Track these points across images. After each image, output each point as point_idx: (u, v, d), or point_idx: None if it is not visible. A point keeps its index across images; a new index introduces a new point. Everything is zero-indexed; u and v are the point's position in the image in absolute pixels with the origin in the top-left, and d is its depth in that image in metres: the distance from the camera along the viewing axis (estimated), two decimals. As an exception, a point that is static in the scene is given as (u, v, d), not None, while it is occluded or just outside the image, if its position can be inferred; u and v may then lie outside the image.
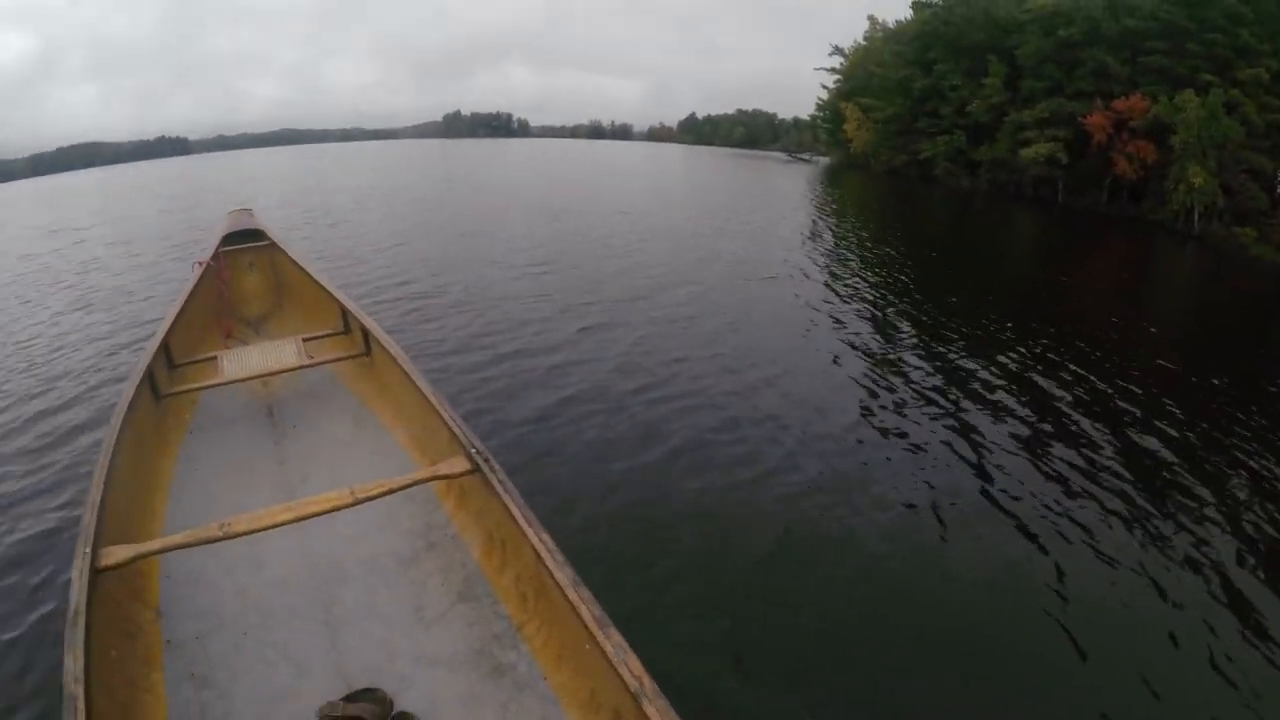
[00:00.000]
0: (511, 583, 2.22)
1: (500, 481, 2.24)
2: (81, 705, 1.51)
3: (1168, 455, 4.99)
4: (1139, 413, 5.68)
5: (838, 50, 47.98)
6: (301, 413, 3.66)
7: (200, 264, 4.58)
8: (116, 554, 2.00)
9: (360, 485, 2.22)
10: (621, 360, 6.14)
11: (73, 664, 1.60)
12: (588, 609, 1.69)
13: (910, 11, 38.91)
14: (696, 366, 6.04)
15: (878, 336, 7.38)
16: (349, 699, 1.92)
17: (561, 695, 1.89)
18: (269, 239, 5.01)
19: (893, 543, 3.62)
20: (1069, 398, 5.81)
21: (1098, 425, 5.32)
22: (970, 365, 6.44)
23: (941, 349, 6.92)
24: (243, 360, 3.63)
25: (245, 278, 4.90)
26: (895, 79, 37.64)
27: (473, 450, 2.40)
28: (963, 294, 9.72)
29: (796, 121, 75.42)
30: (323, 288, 4.36)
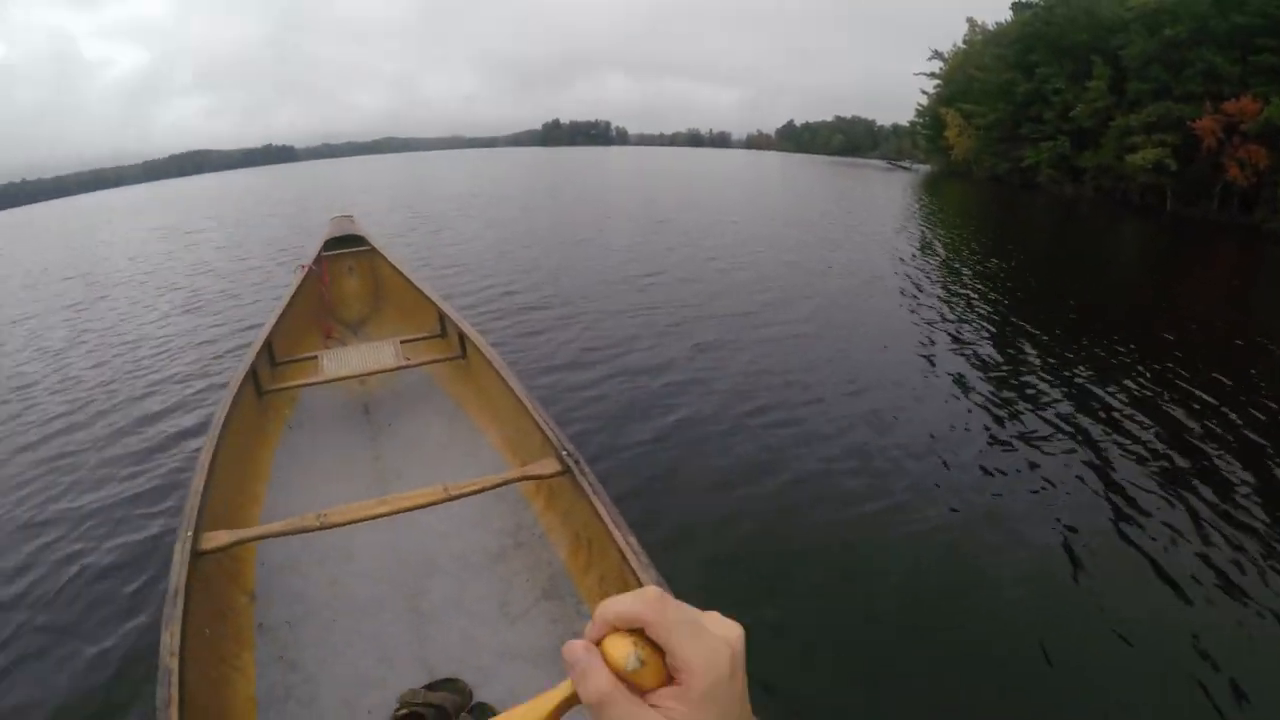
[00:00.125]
0: (595, 583, 2.25)
1: (590, 483, 2.30)
2: (175, 679, 1.62)
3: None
4: (1271, 446, 5.15)
5: (937, 54, 47.47)
6: (397, 412, 3.82)
7: (303, 268, 4.88)
8: (216, 539, 2.12)
9: (454, 483, 2.32)
10: (736, 379, 6.04)
11: (169, 639, 1.71)
12: None
13: (1010, 13, 38.16)
14: (815, 388, 5.90)
15: (996, 355, 7.15)
16: (430, 687, 2.01)
17: None
18: (369, 244, 5.29)
19: (1028, 586, 3.43)
20: (1198, 428, 5.38)
21: (1230, 458, 4.90)
22: (1094, 389, 6.15)
23: (1062, 370, 6.66)
24: (342, 360, 3.81)
25: (345, 281, 5.17)
26: (996, 83, 37.00)
27: (564, 452, 2.47)
28: (1076, 309, 9.33)
29: (895, 128, 74.49)
30: (420, 292, 4.53)
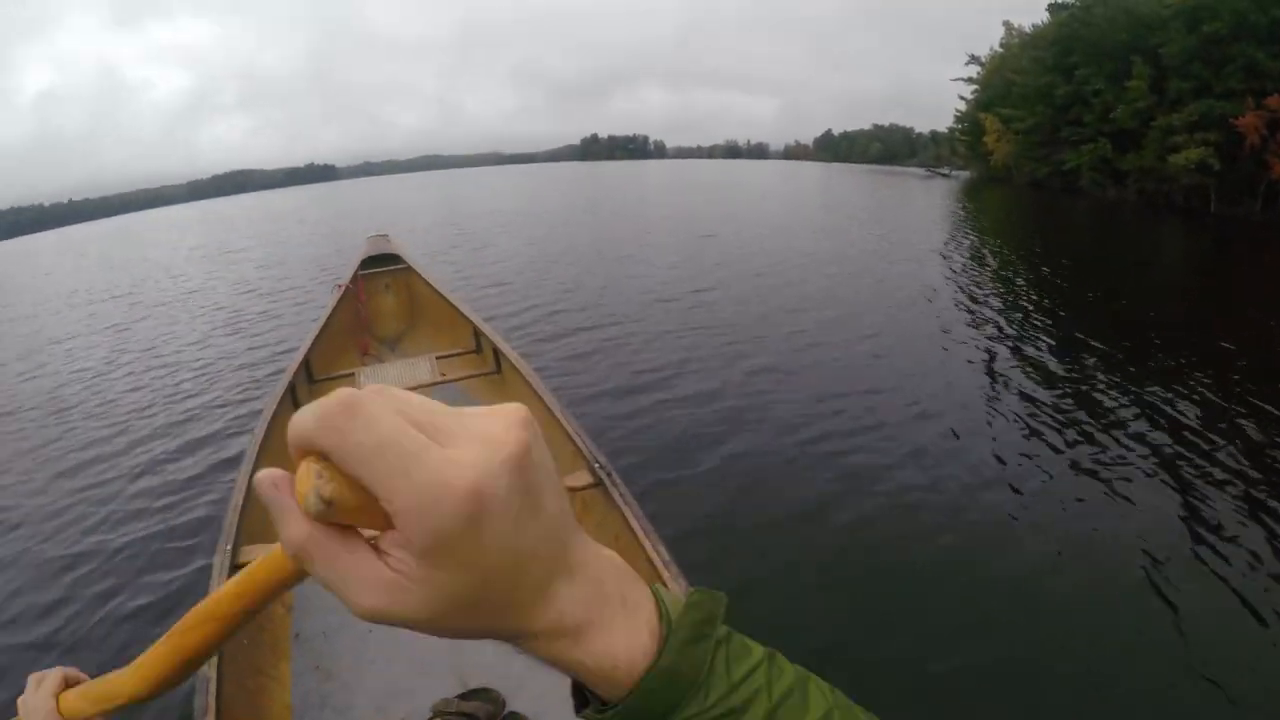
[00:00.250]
0: None
1: (621, 494, 2.40)
2: (213, 688, 1.69)
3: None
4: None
5: (974, 59, 47.48)
6: None
7: (340, 286, 5.03)
8: (254, 552, 2.16)
9: None
10: (792, 405, 5.77)
11: None
12: None
13: (1046, 14, 38.12)
14: (876, 411, 5.61)
15: (1058, 369, 6.91)
16: (464, 697, 2.06)
17: None
18: (404, 262, 5.43)
19: (1121, 626, 3.22)
20: (1268, 442, 5.12)
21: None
22: (1160, 404, 5.86)
23: (1127, 384, 6.39)
24: (378, 377, 3.91)
25: (382, 299, 5.32)
26: (1035, 86, 36.99)
27: (596, 464, 2.57)
28: (1132, 318, 9.15)
29: (934, 135, 74.05)
30: (455, 309, 4.66)
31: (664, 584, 1.91)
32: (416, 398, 0.29)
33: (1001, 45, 44.86)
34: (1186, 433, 5.26)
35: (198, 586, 3.39)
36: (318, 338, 4.27)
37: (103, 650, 3.19)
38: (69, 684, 0.57)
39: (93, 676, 0.55)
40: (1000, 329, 8.45)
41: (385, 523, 0.27)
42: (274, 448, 3.00)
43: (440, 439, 0.27)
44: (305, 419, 0.27)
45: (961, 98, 50.28)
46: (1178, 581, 3.49)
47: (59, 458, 5.64)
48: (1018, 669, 2.94)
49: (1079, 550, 3.78)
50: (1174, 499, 4.32)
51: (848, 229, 19.30)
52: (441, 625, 0.29)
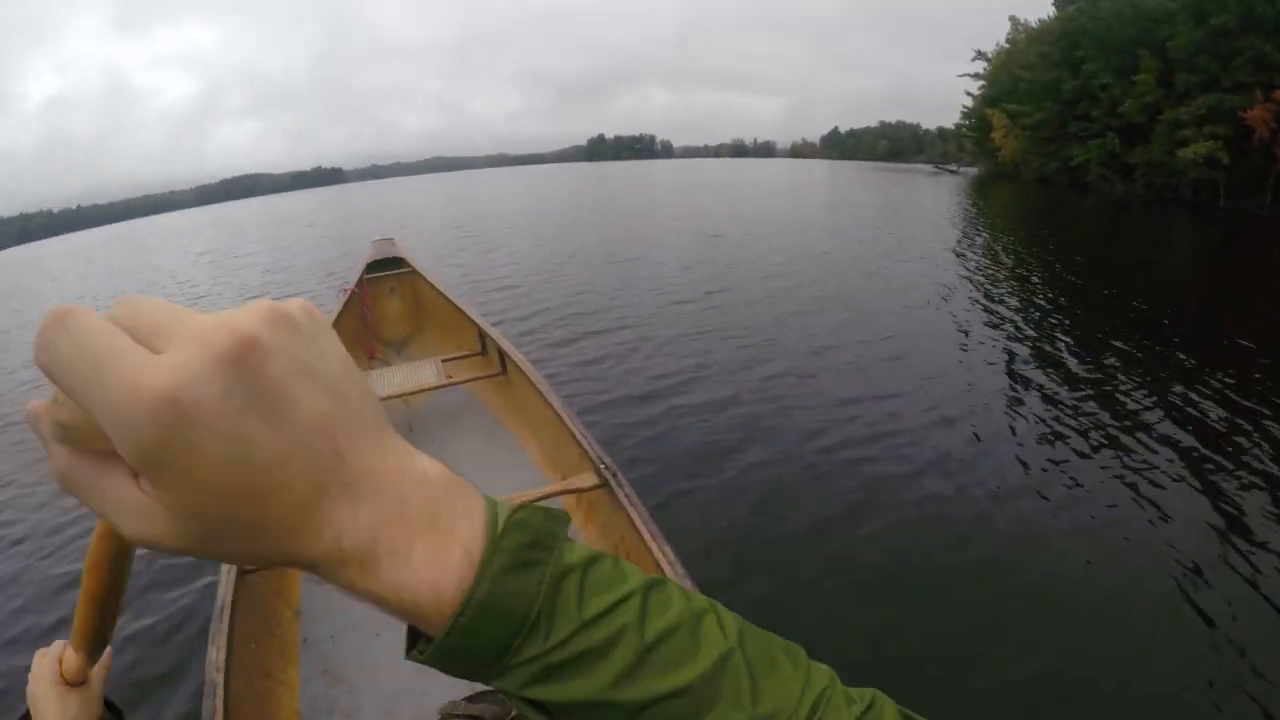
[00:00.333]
0: None
1: (627, 495, 2.40)
2: (221, 692, 1.70)
3: None
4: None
5: (980, 55, 47.37)
6: (440, 430, 3.97)
7: (345, 291, 5.07)
8: None
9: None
10: (810, 411, 5.63)
11: (215, 655, 1.79)
12: None
13: (1052, 9, 37.99)
14: (898, 417, 5.46)
15: (1080, 370, 6.73)
16: (471, 699, 2.25)
17: None
18: (409, 266, 5.46)
19: (1156, 635, 3.13)
20: None
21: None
22: (1185, 405, 5.72)
23: (1150, 383, 6.26)
24: (385, 380, 3.89)
25: (387, 303, 5.36)
26: (1042, 81, 36.86)
27: (602, 465, 2.58)
28: (1151, 316, 8.88)
29: (941, 132, 73.88)
30: (461, 311, 4.67)
31: None
32: (161, 303, 0.26)
33: (1008, 41, 44.70)
34: (1211, 434, 5.15)
35: (205, 600, 3.36)
36: None
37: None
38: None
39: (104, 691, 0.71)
40: (1018, 328, 8.32)
41: None
42: None
43: (156, 343, 0.24)
44: (35, 339, 0.25)
45: (968, 93, 50.28)
46: (1210, 590, 3.40)
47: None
48: (1052, 683, 2.87)
49: (1110, 559, 3.68)
50: (1202, 503, 4.22)
51: (858, 228, 19.20)
52: (204, 551, 0.26)
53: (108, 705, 0.72)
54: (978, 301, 9.70)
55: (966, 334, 8.05)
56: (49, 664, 0.68)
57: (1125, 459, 4.79)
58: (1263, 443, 4.97)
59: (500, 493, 1.83)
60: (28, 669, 0.70)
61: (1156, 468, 4.65)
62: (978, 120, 48.23)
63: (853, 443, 5.03)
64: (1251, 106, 23.56)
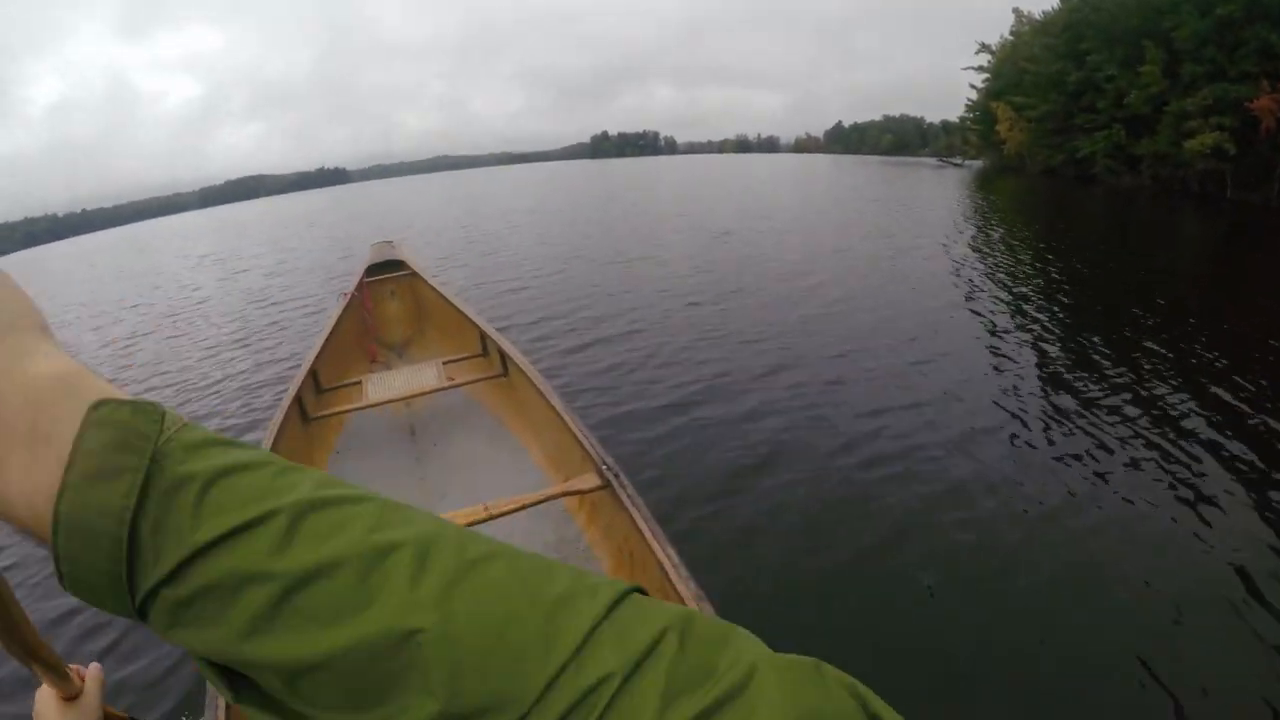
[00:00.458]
0: None
1: (629, 496, 2.38)
2: (222, 703, 1.69)
3: None
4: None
5: (984, 47, 47.09)
6: (442, 432, 3.96)
7: (345, 295, 5.05)
8: None
9: (494, 501, 2.40)
10: (834, 421, 5.42)
11: None
12: None
13: (1057, 0, 37.80)
14: (934, 428, 5.25)
15: (1112, 372, 6.50)
16: None
17: None
18: (409, 268, 5.48)
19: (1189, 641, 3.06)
20: None
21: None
22: (1224, 406, 5.54)
23: (1186, 385, 6.03)
24: (386, 383, 3.92)
25: (388, 306, 5.38)
26: (1047, 74, 36.73)
27: (604, 466, 2.55)
28: (1174, 312, 8.68)
29: (945, 125, 73.63)
30: (461, 313, 4.66)
31: (673, 587, 1.92)
32: None
33: (1012, 33, 44.50)
34: (1267, 441, 4.95)
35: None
36: (323, 347, 4.28)
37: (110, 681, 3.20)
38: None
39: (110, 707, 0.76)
40: (1045, 329, 8.08)
41: None
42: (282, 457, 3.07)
43: None
44: None
45: (973, 86, 49.92)
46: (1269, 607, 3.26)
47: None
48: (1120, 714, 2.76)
49: (1175, 584, 3.45)
50: (1254, 517, 4.03)
51: (869, 224, 18.99)
52: None
53: (114, 716, 0.77)
54: (999, 299, 9.59)
55: (991, 334, 7.89)
56: (45, 687, 0.72)
57: (1178, 472, 4.56)
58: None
59: (503, 495, 2.06)
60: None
61: (1206, 475, 4.46)
62: (982, 113, 48.04)
63: (885, 459, 4.77)
64: (1258, 97, 23.37)
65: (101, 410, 0.25)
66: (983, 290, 10.15)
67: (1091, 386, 6.18)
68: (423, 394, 3.85)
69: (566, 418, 2.99)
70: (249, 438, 5.53)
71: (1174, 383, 6.14)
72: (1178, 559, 3.67)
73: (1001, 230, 17.46)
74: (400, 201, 52.53)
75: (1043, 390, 6.13)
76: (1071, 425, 5.32)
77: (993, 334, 7.88)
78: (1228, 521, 3.98)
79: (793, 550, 3.82)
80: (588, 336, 8.13)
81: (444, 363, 4.14)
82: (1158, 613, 3.27)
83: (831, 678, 0.25)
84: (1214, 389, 5.93)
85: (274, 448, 2.93)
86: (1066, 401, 5.83)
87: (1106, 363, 6.80)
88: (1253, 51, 23.91)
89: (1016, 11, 44.11)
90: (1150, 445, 4.96)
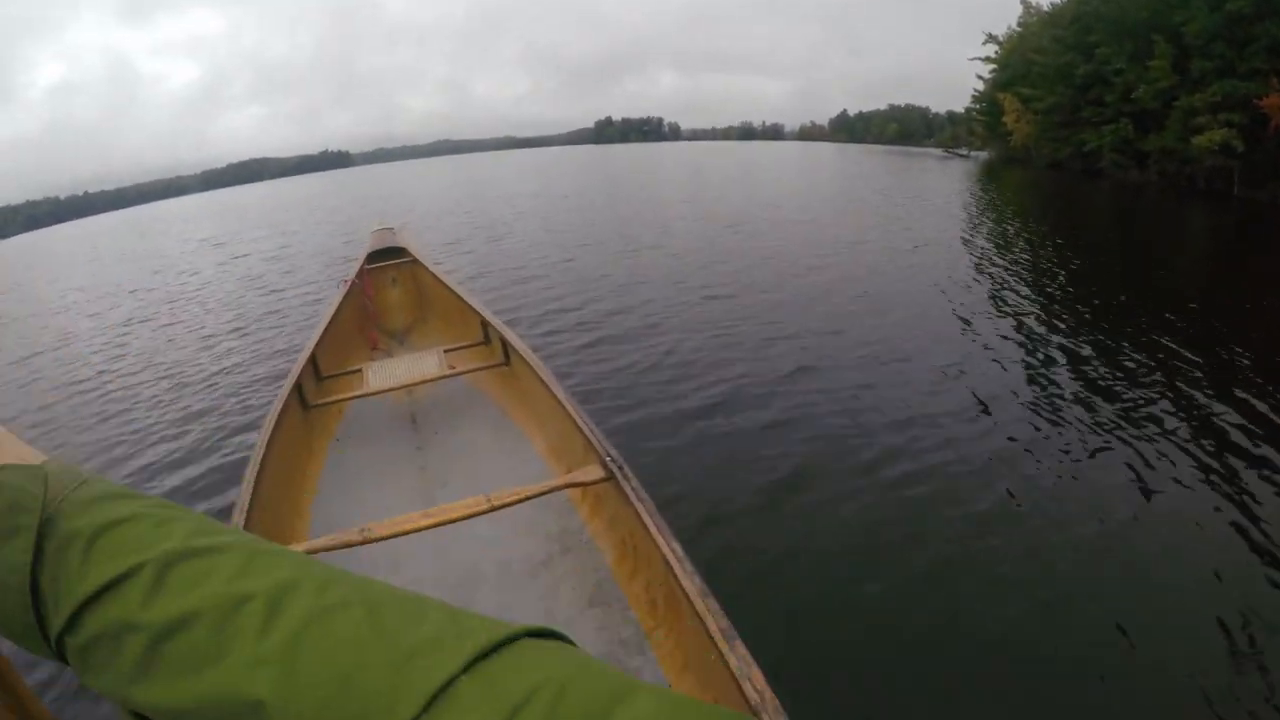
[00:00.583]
0: (642, 589, 2.29)
1: (634, 489, 2.34)
2: None
3: None
4: None
5: (992, 38, 46.66)
6: (443, 421, 3.93)
7: (346, 282, 5.03)
8: None
9: (497, 493, 2.35)
10: (858, 426, 5.18)
11: None
12: (714, 620, 1.70)
13: (1066, -9, 37.45)
14: (980, 443, 4.97)
15: (1134, 371, 6.38)
16: None
17: None
18: (410, 255, 5.47)
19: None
20: None
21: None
22: (1260, 411, 5.34)
23: (1221, 390, 5.83)
24: (387, 371, 3.90)
25: (389, 293, 5.37)
26: (1055, 66, 36.34)
27: (608, 458, 2.51)
28: (1195, 313, 8.45)
29: (951, 115, 73.22)
30: (463, 300, 4.64)
31: (678, 582, 1.92)
32: None
33: (1020, 24, 44.10)
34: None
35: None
36: (324, 334, 4.25)
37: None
38: None
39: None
40: (1075, 330, 7.82)
41: None
42: (281, 446, 2.95)
43: None
44: None
45: (980, 77, 49.55)
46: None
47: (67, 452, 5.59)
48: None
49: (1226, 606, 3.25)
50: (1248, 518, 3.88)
51: (881, 216, 18.70)
52: None
53: None
54: (1025, 297, 9.32)
55: (1019, 332, 7.67)
56: None
57: (1224, 483, 4.33)
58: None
59: (504, 485, 2.03)
60: None
61: (1244, 485, 4.27)
62: (989, 104, 47.66)
63: (920, 477, 4.47)
64: (1267, 94, 23.17)
65: None
66: (1006, 287, 9.95)
67: (1130, 392, 5.94)
68: (424, 382, 3.83)
69: (569, 408, 2.95)
70: (247, 427, 5.55)
71: (1209, 391, 5.85)
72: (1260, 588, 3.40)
73: (1016, 224, 17.24)
74: (403, 185, 52.33)
75: (1080, 397, 5.86)
76: (1112, 436, 5.07)
77: (1020, 332, 7.70)
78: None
79: (833, 580, 3.54)
80: (600, 332, 7.91)
81: (445, 350, 4.11)
82: (1237, 646, 3.02)
83: None
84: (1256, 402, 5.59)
85: (274, 435, 2.90)
86: (1104, 410, 5.57)
87: (1141, 368, 6.52)
88: (1262, 48, 23.67)
89: (1025, 2, 43.73)
90: (1192, 456, 4.73)
